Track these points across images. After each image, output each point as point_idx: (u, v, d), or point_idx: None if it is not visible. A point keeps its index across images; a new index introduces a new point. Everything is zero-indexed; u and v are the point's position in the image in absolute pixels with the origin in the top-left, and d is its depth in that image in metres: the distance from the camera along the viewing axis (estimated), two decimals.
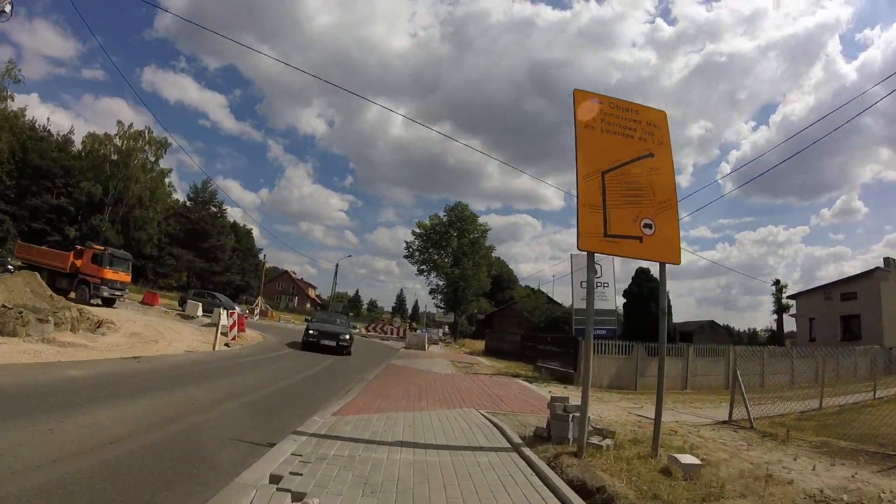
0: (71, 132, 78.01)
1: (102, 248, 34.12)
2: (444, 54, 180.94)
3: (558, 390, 18.04)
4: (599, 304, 26.55)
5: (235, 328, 24.36)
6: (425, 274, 64.34)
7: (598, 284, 26.62)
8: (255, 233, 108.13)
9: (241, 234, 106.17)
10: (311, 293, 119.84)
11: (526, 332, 41.58)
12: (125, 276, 33.97)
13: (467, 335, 69.61)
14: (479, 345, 50.16)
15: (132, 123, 74.46)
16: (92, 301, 30.46)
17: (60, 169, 70.08)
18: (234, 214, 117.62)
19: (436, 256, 63.56)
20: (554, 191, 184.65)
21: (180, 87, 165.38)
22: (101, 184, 70.75)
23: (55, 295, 20.68)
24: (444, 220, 63.56)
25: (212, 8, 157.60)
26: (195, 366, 15.48)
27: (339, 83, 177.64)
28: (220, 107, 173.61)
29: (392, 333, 49.57)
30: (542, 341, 31.75)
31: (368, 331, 52.48)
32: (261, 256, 71.77)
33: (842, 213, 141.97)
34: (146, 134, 77.02)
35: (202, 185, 74.24)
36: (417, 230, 64.55)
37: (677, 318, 37.42)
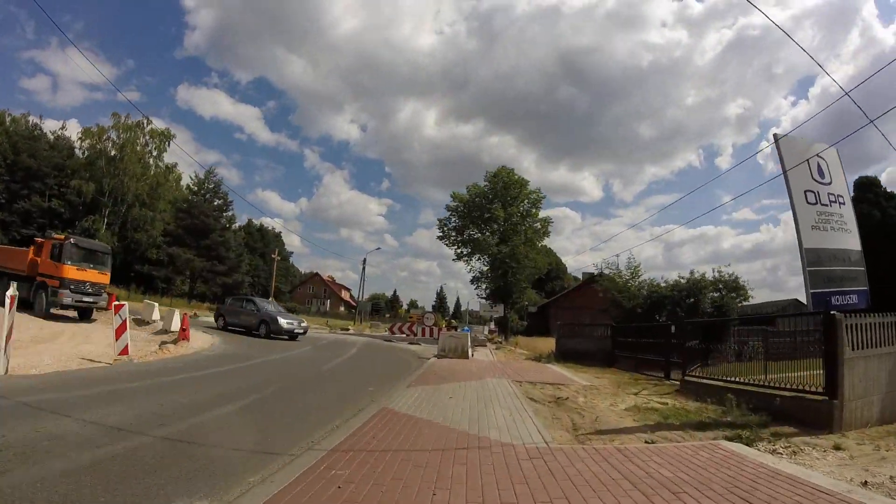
0: (63, 128, 69.26)
1: (63, 236, 23.35)
2: (472, 49, 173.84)
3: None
4: (837, 241, 12.34)
5: (125, 334, 14.21)
6: (465, 258, 50.15)
7: (832, 199, 12.35)
8: (287, 236, 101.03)
9: (270, 237, 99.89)
10: (345, 295, 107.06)
11: (620, 321, 26.94)
12: (100, 276, 23.83)
13: (518, 332, 55.01)
14: (539, 344, 35.95)
15: (129, 114, 63.88)
16: (53, 311, 22.41)
17: (53, 168, 60.84)
18: (272, 224, 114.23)
19: (477, 235, 49.11)
20: (593, 181, 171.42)
21: (214, 103, 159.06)
22: (94, 182, 60.47)
23: None
24: (486, 189, 48.97)
25: (239, 21, 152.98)
26: None
27: (369, 86, 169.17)
28: (254, 119, 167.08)
29: (426, 335, 35.12)
30: (665, 334, 17.70)
31: (393, 332, 38.34)
32: (273, 255, 57.96)
33: (889, 186, 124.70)
34: (144, 124, 65.55)
35: (205, 176, 61.38)
36: (452, 203, 50.01)
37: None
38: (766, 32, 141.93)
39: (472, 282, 50.15)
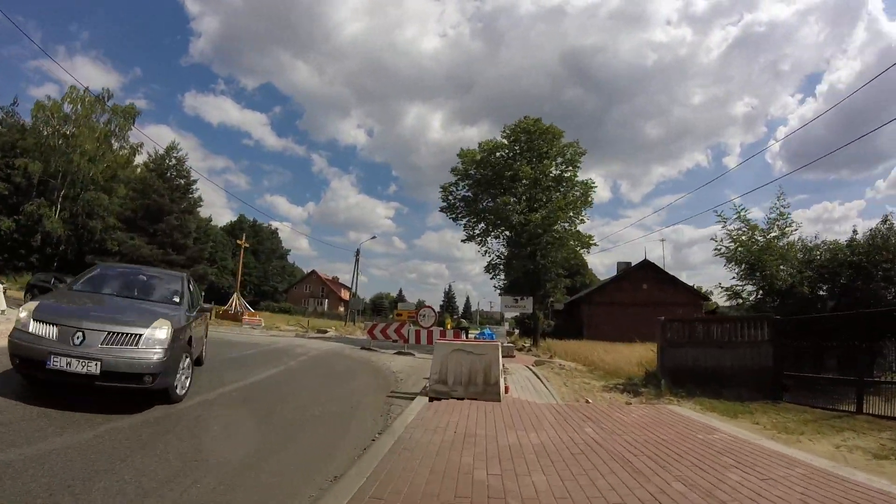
0: (15, 103, 57.21)
1: None
2: (476, 51, 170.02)
3: None
4: None
5: None
6: (478, 238, 35.88)
7: None
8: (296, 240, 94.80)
9: (265, 234, 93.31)
10: (345, 295, 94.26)
11: (776, 310, 14.01)
12: None
13: (546, 333, 41.45)
14: (586, 351, 24.07)
15: (87, 87, 54.27)
16: None
17: (0, 147, 50.45)
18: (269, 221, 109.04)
19: (490, 203, 34.72)
20: (600, 182, 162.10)
21: (221, 109, 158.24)
22: (44, 161, 49.68)
23: None
24: (505, 142, 34.95)
25: (244, 27, 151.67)
26: None
27: (375, 90, 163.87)
28: (261, 125, 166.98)
29: (422, 341, 21.90)
30: None
31: (373, 336, 23.41)
32: (239, 241, 45.39)
33: None
34: (105, 97, 54.32)
35: (166, 152, 48.79)
36: (460, 165, 35.44)
37: None
38: (771, 29, 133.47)
39: (487, 269, 36.08)
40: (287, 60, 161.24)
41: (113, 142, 56.69)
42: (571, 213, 32.67)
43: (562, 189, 33.38)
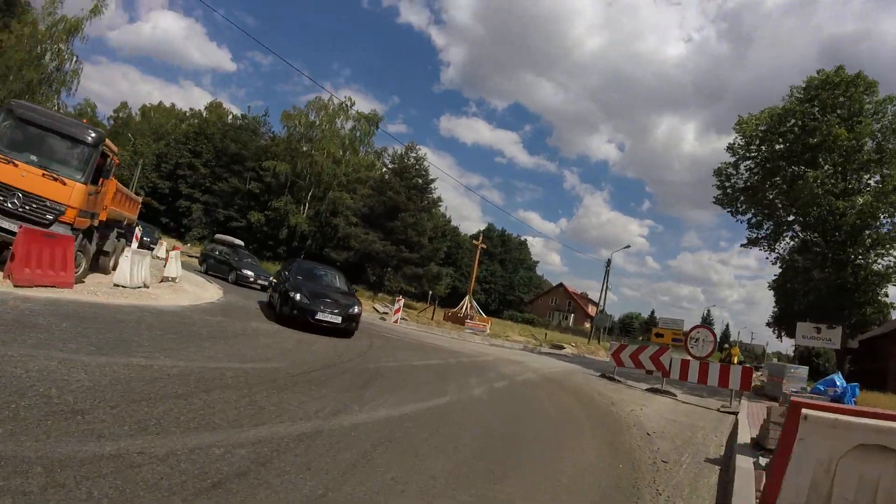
0: (266, 115, 72.15)
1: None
2: (724, 54, 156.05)
3: None
4: None
5: None
6: (764, 242, 27.25)
7: None
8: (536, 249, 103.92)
9: (513, 244, 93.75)
10: (593, 310, 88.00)
11: None
12: (48, 184, 9.84)
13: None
14: None
15: (331, 96, 61.04)
16: None
17: (254, 152, 61.89)
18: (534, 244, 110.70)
19: (783, 188, 25.21)
20: None
21: (474, 130, 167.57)
22: (288, 163, 57.81)
23: None
24: (798, 105, 25.08)
25: (489, 53, 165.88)
26: None
27: (621, 104, 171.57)
28: (512, 143, 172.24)
29: (690, 377, 15.08)
30: None
31: (618, 361, 16.97)
32: (475, 241, 41.54)
33: None
34: (348, 105, 59.69)
35: (405, 151, 47.26)
36: (739, 140, 26.56)
37: None
38: None
39: (772, 286, 27.62)
40: (532, 80, 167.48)
41: (357, 146, 61.54)
42: None
43: (886, 168, 23.61)
